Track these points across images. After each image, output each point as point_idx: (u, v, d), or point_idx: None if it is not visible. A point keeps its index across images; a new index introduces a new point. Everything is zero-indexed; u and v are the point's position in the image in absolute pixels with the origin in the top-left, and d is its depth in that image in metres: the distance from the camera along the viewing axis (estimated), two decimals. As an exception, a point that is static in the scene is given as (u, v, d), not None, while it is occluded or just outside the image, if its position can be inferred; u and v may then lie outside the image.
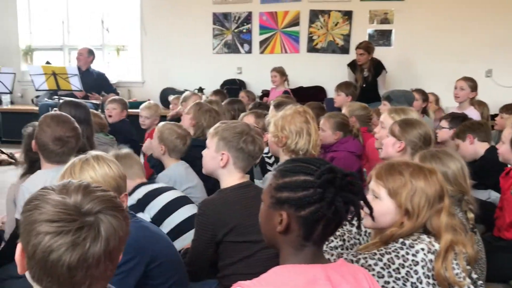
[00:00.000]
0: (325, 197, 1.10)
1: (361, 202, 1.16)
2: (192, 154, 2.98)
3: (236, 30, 7.28)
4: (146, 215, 2.42)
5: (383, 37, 6.80)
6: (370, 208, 1.21)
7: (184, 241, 2.36)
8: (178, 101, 5.03)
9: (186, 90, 6.61)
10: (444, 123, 3.49)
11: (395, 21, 6.73)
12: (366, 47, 5.92)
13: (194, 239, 1.98)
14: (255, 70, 7.12)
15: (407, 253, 1.51)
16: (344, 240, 1.87)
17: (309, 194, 1.11)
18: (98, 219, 0.93)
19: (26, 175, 2.64)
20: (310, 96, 6.31)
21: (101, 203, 0.96)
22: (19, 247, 0.96)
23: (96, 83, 6.60)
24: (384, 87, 5.87)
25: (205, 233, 1.91)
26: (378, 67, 5.98)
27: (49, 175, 2.26)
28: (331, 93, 6.40)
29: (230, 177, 2.02)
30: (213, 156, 2.04)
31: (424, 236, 1.56)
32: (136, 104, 6.15)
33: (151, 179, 3.91)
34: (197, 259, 1.97)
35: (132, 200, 2.45)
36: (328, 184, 1.10)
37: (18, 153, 5.32)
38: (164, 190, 2.57)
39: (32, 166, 2.64)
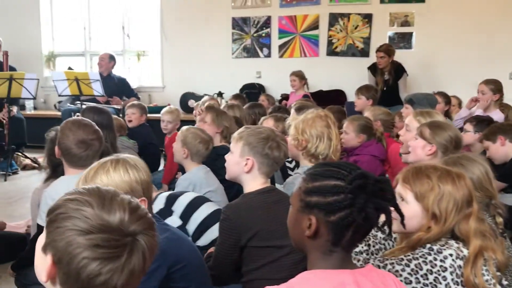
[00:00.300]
0: (356, 203, 1.08)
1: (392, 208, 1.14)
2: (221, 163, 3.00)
3: (255, 35, 7.29)
4: (174, 218, 2.44)
5: (404, 39, 6.75)
6: (402, 215, 1.18)
7: (212, 233, 2.39)
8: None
9: (205, 94, 6.66)
10: (468, 127, 3.41)
11: (415, 24, 6.67)
12: (387, 50, 5.88)
13: (218, 243, 1.97)
14: (274, 74, 7.12)
15: (435, 259, 1.48)
16: (369, 245, 1.84)
17: (340, 199, 1.10)
18: (139, 240, 0.93)
19: (49, 179, 2.66)
20: (330, 99, 6.28)
21: (142, 224, 0.94)
22: (49, 259, 0.93)
23: (117, 88, 6.68)
24: (405, 90, 5.82)
25: (229, 238, 1.90)
26: (399, 70, 5.93)
27: (72, 182, 2.24)
28: (351, 96, 6.37)
29: (254, 182, 2.01)
30: (237, 161, 2.02)
31: (452, 242, 1.53)
32: (157, 109, 6.22)
33: (172, 183, 3.95)
34: (221, 263, 1.96)
35: (157, 206, 2.46)
36: (359, 190, 1.09)
37: (41, 158, 5.42)
38: (182, 193, 2.61)
39: (55, 170, 2.66)
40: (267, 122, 3.47)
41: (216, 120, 3.44)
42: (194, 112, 5.60)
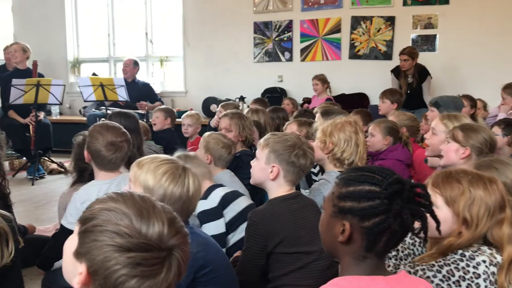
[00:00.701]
0: (392, 209, 1.07)
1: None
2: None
3: (277, 39, 7.30)
4: (220, 222, 2.43)
5: (427, 42, 6.66)
6: (438, 221, 1.16)
7: None
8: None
9: (227, 99, 6.68)
10: (497, 130, 3.34)
11: (439, 26, 6.58)
12: (410, 52, 5.82)
13: (245, 249, 1.95)
14: (296, 78, 7.11)
15: (468, 265, 1.45)
16: (397, 250, 1.82)
17: (375, 205, 1.08)
18: (175, 254, 0.92)
19: (75, 184, 2.70)
20: (353, 103, 6.23)
21: (179, 238, 0.93)
22: (83, 268, 0.91)
23: (141, 93, 6.75)
24: (430, 93, 5.75)
25: (255, 244, 1.89)
26: (422, 73, 5.86)
27: (103, 187, 2.29)
28: (374, 100, 6.32)
29: (279, 190, 1.99)
30: (262, 168, 2.01)
31: (485, 248, 1.50)
32: (179, 114, 6.26)
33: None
34: (247, 269, 1.95)
35: (210, 203, 2.45)
36: (395, 196, 1.07)
37: (67, 162, 5.51)
38: (237, 196, 2.57)
39: (81, 175, 2.70)
40: (291, 127, 3.45)
41: (241, 128, 3.45)
42: (215, 116, 5.63)
